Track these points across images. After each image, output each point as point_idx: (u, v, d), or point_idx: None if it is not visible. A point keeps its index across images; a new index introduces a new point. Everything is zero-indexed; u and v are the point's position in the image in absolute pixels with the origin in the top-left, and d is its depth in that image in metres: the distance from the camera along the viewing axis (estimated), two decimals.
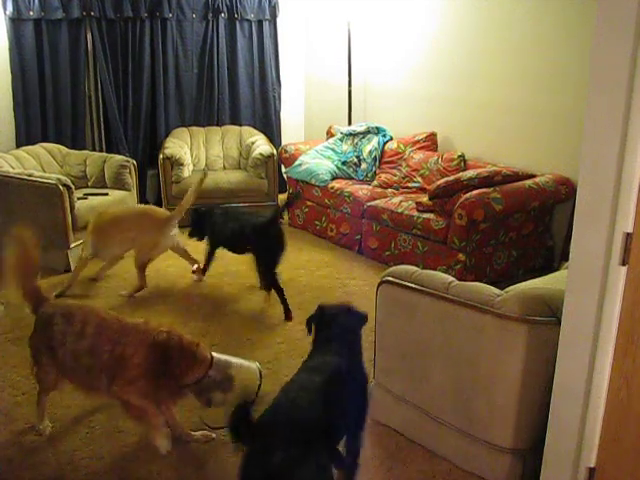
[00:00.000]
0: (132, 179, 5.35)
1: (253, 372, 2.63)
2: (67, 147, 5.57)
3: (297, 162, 5.63)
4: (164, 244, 4.23)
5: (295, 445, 1.72)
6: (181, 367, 2.43)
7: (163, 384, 2.46)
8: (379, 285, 2.65)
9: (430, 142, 5.28)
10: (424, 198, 4.44)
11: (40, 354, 2.58)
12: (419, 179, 5.05)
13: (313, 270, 4.68)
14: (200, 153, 6.22)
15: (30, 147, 5.35)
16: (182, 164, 5.69)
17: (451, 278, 2.46)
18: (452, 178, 4.27)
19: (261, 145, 6.03)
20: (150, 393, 2.48)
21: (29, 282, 2.61)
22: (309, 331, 2.33)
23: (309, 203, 5.55)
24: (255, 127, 6.57)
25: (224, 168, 6.27)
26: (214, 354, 2.53)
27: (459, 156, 4.88)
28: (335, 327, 2.25)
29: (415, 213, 4.41)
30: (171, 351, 2.43)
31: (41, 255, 3.93)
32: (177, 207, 4.25)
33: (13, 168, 4.83)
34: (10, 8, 5.38)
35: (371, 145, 5.56)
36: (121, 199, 5.13)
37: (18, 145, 5.58)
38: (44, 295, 2.66)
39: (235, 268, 4.61)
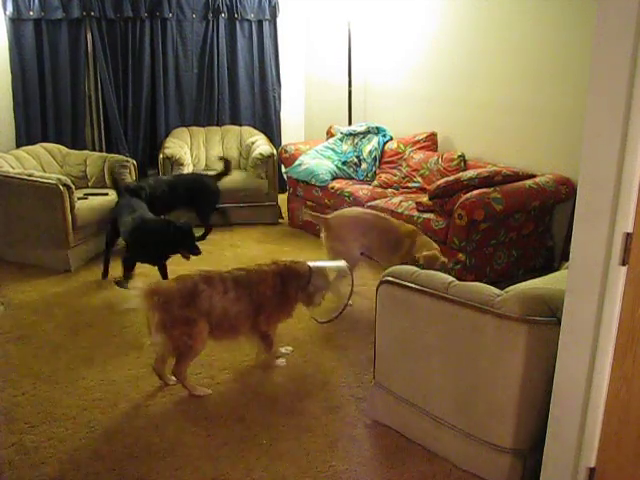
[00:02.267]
0: (132, 179, 5.34)
1: (344, 271, 3.30)
2: (67, 147, 5.57)
3: (297, 162, 5.63)
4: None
5: None
6: (292, 284, 3.08)
7: (284, 303, 3.10)
8: (379, 285, 2.65)
9: (430, 142, 5.28)
10: (424, 198, 4.44)
11: (194, 323, 2.85)
12: (419, 179, 5.05)
13: None
14: (200, 153, 6.22)
15: (30, 147, 5.35)
16: (182, 164, 5.69)
17: (451, 278, 2.46)
18: (452, 178, 4.27)
19: (261, 145, 6.03)
20: (279, 317, 3.15)
21: None
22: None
23: (309, 203, 5.55)
24: (255, 127, 6.57)
25: None
26: (310, 263, 3.16)
27: (459, 156, 4.88)
28: None
29: (415, 213, 4.41)
30: (284, 275, 3.07)
31: (41, 255, 3.96)
32: None
33: (13, 168, 4.84)
34: (10, 8, 5.39)
35: (371, 145, 5.55)
36: None
37: (18, 145, 5.58)
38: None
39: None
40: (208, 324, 2.92)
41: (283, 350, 3.38)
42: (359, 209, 4.26)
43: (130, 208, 4.22)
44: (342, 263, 3.35)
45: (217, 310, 2.92)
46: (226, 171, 5.34)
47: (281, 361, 3.30)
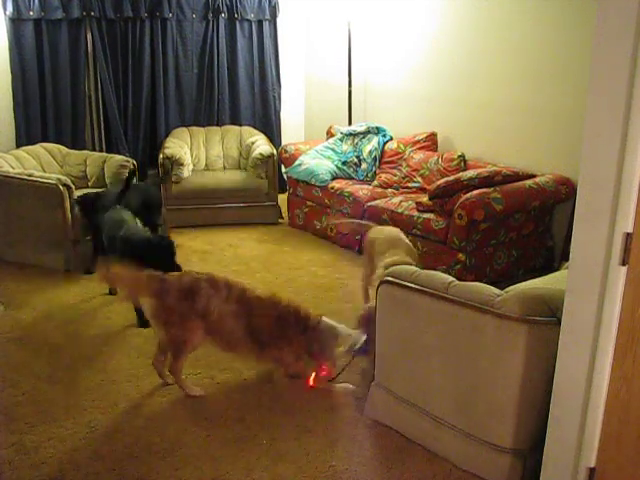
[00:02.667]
0: (132, 179, 5.34)
1: (354, 341, 3.03)
2: (67, 147, 5.57)
3: (297, 162, 5.63)
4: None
5: None
6: (295, 330, 2.95)
7: (289, 346, 2.96)
8: (379, 285, 2.65)
9: (430, 142, 5.28)
10: (424, 198, 4.43)
11: (188, 318, 2.86)
12: (419, 179, 5.05)
13: (313, 270, 4.68)
14: (200, 153, 6.22)
15: (30, 147, 5.35)
16: (182, 164, 5.68)
17: (451, 278, 2.46)
18: (452, 178, 4.27)
19: (261, 145, 6.03)
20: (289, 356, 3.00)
21: None
22: None
23: (309, 203, 5.55)
24: (255, 127, 6.57)
25: (224, 168, 6.27)
26: (324, 320, 3.01)
27: (459, 156, 4.88)
28: None
29: (415, 213, 4.41)
30: (288, 318, 2.95)
31: (41, 255, 3.87)
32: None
33: (13, 168, 4.84)
34: (10, 8, 5.39)
35: (371, 145, 5.55)
36: None
37: (18, 145, 5.59)
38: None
39: (236, 268, 4.62)
40: (204, 324, 2.89)
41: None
42: (382, 231, 3.78)
43: (112, 222, 3.83)
44: (354, 333, 3.04)
45: (214, 314, 2.87)
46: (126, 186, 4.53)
47: (346, 386, 3.07)
